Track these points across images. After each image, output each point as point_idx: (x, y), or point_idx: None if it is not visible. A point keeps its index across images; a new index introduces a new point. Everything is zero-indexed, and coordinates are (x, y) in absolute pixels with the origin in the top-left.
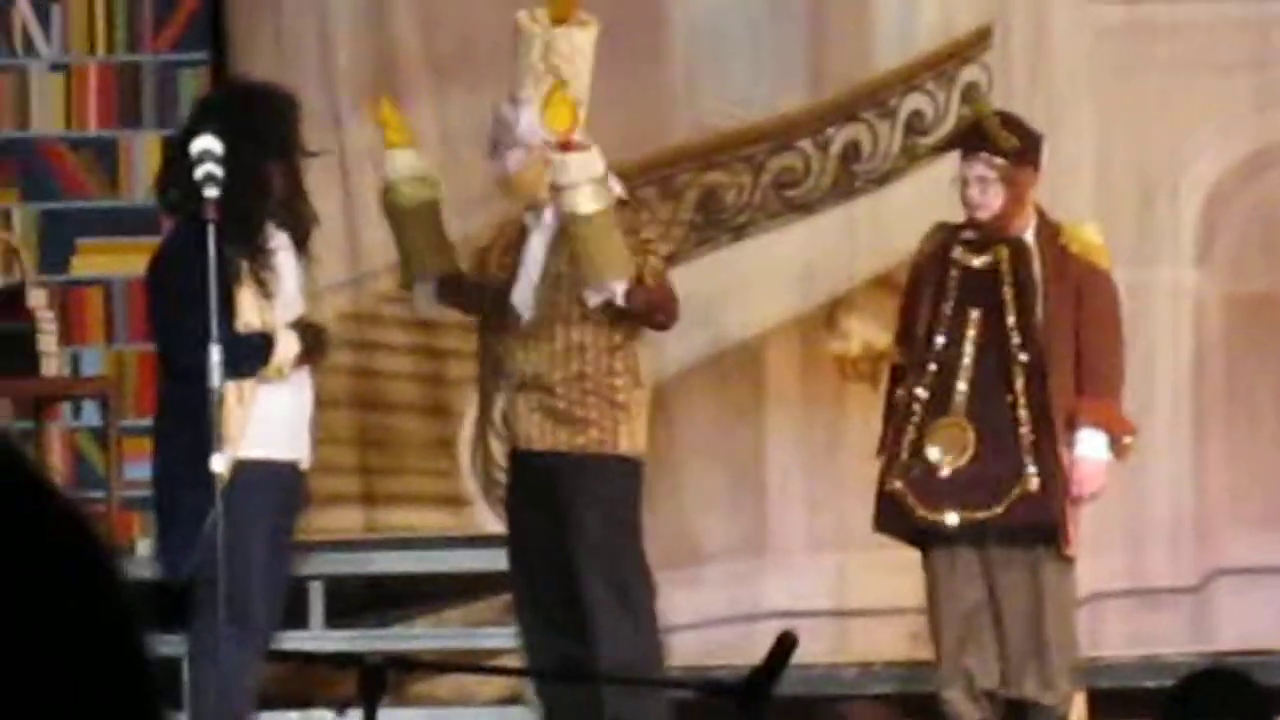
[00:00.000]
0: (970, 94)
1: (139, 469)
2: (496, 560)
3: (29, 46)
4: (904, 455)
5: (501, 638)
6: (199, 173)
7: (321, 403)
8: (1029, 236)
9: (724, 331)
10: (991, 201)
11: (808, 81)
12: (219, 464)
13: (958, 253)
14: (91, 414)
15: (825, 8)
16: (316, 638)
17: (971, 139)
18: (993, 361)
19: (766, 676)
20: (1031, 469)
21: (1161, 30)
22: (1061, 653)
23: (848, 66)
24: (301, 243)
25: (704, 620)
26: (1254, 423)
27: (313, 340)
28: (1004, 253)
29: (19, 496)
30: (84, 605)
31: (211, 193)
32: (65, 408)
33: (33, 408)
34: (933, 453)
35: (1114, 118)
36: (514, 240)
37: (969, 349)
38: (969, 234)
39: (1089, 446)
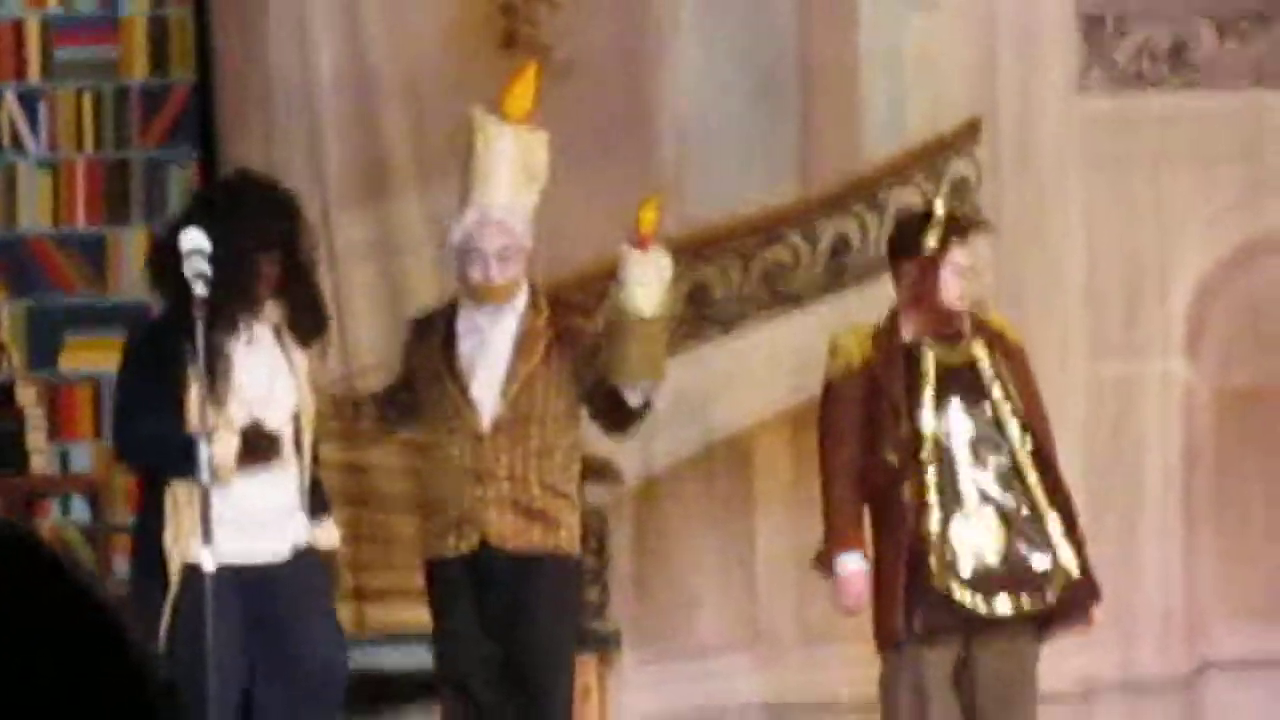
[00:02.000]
0: (960, 187)
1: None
2: None
3: (16, 143)
4: (938, 554)
5: None
6: (188, 269)
7: None
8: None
9: (714, 425)
10: (972, 289)
11: (796, 174)
12: (208, 562)
13: (929, 350)
14: (80, 510)
15: (814, 100)
16: None
17: (957, 230)
18: (991, 452)
19: None
20: (1068, 555)
21: (1150, 122)
22: None
23: (836, 159)
24: (305, 339)
25: (695, 714)
26: (1244, 515)
27: (255, 444)
28: (980, 344)
29: (55, 599)
30: (113, 702)
31: (201, 290)
32: (54, 504)
33: (22, 504)
34: (970, 547)
35: (1103, 209)
36: (444, 338)
37: (962, 444)
38: (930, 331)
39: None
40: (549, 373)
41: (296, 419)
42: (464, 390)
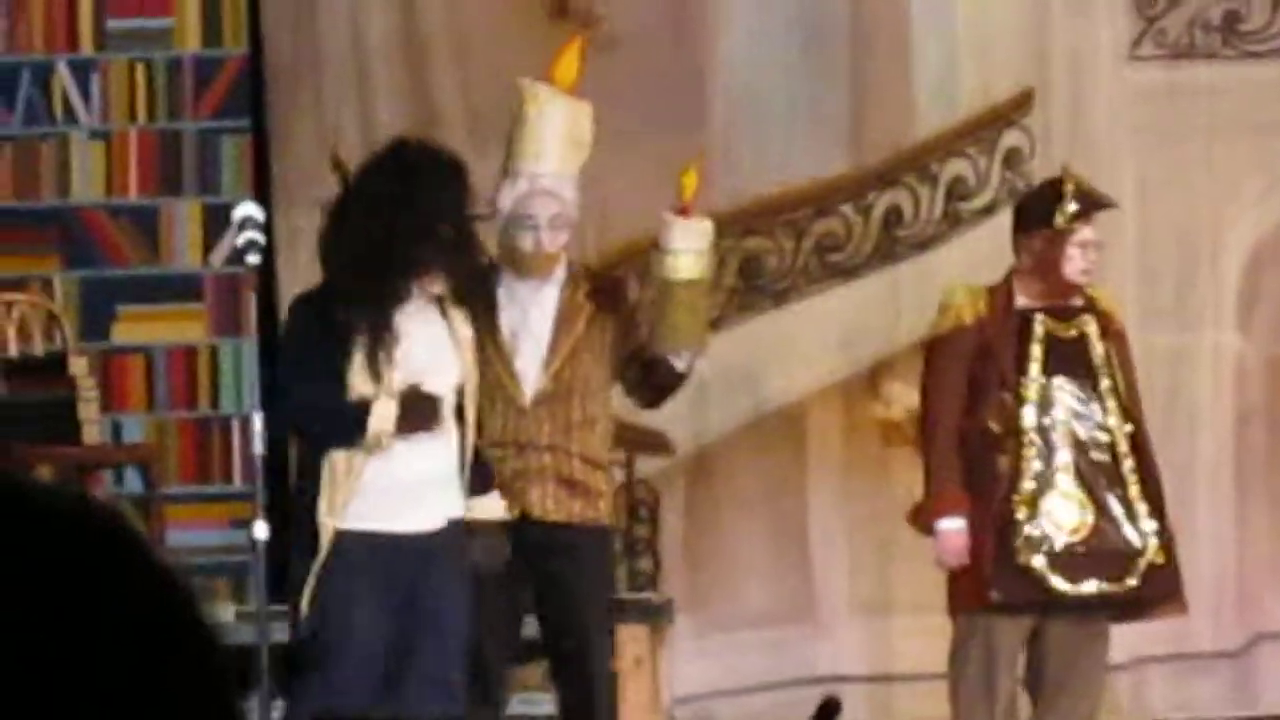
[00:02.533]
0: (1012, 159)
1: (182, 536)
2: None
3: (70, 114)
4: (1025, 528)
5: (550, 704)
6: (240, 240)
7: None
8: (1080, 300)
9: (766, 396)
10: (1095, 266)
11: (848, 147)
12: (260, 531)
13: (1042, 321)
14: (134, 481)
15: (866, 73)
16: None
17: (1088, 206)
18: (1091, 432)
19: None
20: (1155, 542)
21: (1201, 92)
22: (1090, 718)
23: (888, 131)
24: (472, 308)
25: (748, 685)
26: None
27: (416, 410)
28: (1093, 323)
29: (126, 570)
30: (184, 676)
31: (253, 260)
32: (107, 475)
33: (74, 475)
34: (1058, 524)
35: (1155, 180)
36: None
37: (1062, 419)
38: (1046, 302)
39: None
40: (590, 345)
41: (460, 392)
42: (507, 363)
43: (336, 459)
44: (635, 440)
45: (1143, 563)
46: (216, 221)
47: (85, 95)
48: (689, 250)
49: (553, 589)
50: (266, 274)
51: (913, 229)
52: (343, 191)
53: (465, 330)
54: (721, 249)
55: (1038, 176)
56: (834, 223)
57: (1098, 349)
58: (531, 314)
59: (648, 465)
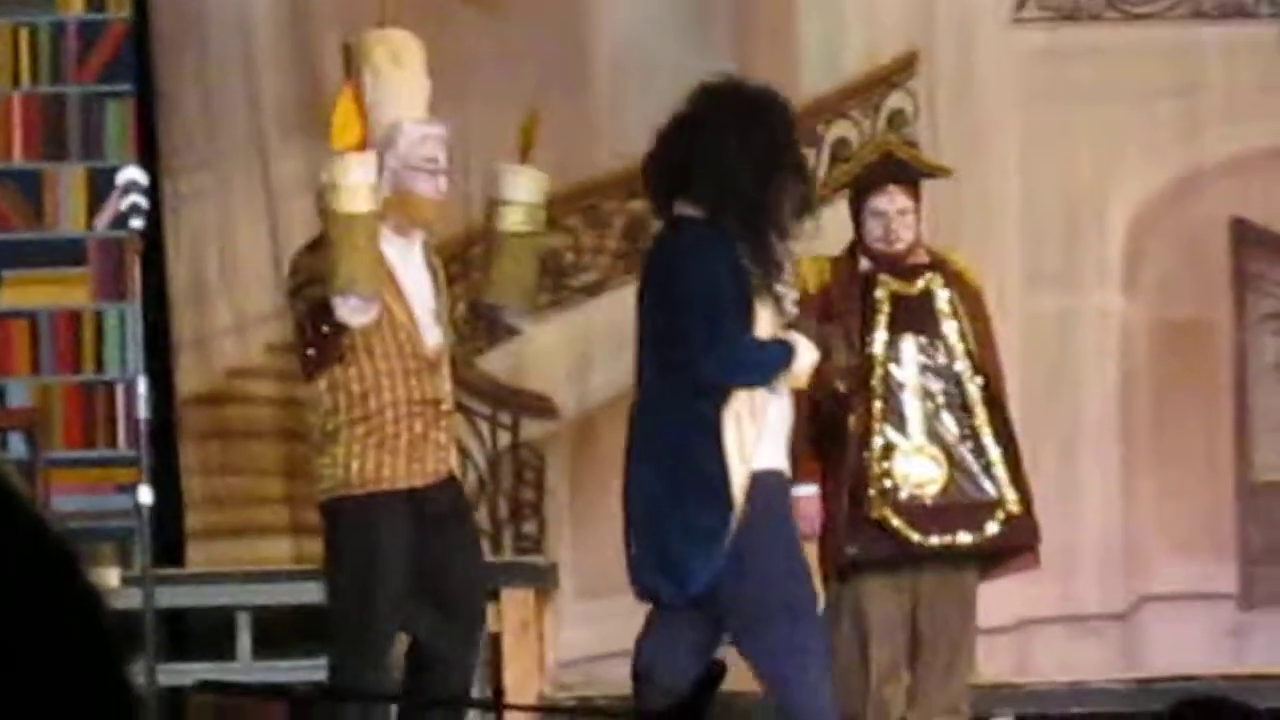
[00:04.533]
0: (896, 120)
1: (66, 500)
2: None
3: None
4: (877, 483)
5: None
6: (124, 204)
7: (248, 434)
8: (924, 259)
9: None
10: (908, 232)
11: None
12: (145, 495)
13: (885, 281)
14: (18, 446)
15: (749, 36)
16: (245, 669)
17: (888, 171)
18: (940, 386)
19: (695, 706)
20: (1011, 492)
21: (1086, 55)
22: (966, 677)
23: None
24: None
25: (632, 649)
26: (1182, 449)
27: (823, 347)
28: (938, 279)
29: (7, 529)
30: (69, 635)
31: (137, 224)
32: None
33: None
34: (910, 478)
35: (1039, 143)
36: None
37: (911, 375)
38: (880, 264)
39: None
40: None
41: None
42: (411, 316)
43: (741, 403)
44: (520, 403)
45: (1000, 512)
46: (101, 186)
47: None
48: (522, 203)
49: (440, 550)
50: (151, 238)
51: None
52: (685, 123)
53: None
54: (606, 211)
55: (922, 139)
56: None
57: (942, 304)
58: (413, 273)
59: (532, 428)
